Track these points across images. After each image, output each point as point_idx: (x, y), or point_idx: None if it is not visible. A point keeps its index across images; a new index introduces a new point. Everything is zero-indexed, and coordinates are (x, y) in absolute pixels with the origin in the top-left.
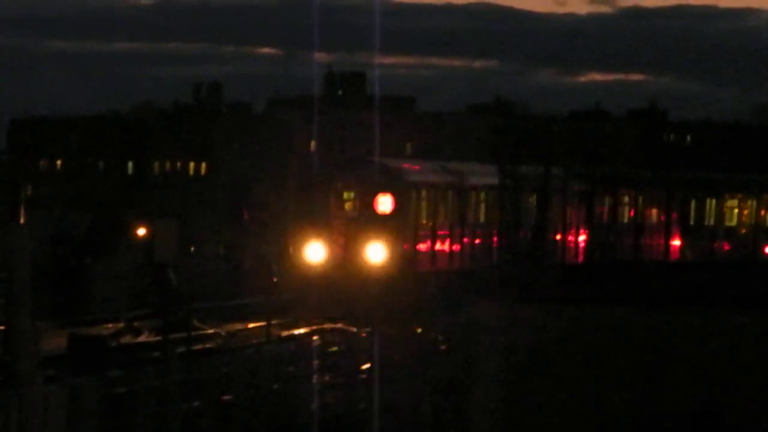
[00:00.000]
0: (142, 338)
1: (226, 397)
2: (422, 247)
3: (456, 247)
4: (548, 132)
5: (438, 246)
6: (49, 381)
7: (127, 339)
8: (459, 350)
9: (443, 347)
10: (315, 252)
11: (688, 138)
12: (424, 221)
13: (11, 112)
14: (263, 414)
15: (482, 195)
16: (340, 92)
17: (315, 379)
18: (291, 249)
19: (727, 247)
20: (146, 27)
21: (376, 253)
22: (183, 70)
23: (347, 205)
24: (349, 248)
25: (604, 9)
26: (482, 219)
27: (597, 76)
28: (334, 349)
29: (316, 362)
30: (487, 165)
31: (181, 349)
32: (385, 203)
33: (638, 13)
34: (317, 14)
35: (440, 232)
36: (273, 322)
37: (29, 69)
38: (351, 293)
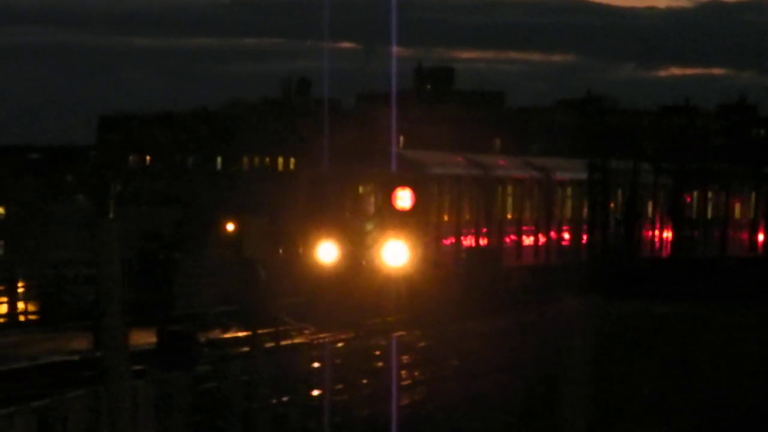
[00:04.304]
0: (230, 333)
1: (315, 393)
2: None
3: (483, 241)
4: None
5: (467, 242)
6: (138, 376)
7: (215, 334)
8: (547, 345)
9: (530, 342)
10: (328, 252)
11: None
12: (446, 217)
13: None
14: (352, 409)
15: (509, 188)
16: (428, 87)
17: (404, 374)
18: (301, 249)
19: None
20: (224, 23)
21: (395, 252)
22: (265, 66)
23: (363, 201)
24: (366, 248)
25: (684, 3)
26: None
27: (676, 71)
28: (422, 344)
29: (406, 357)
30: (513, 157)
31: (269, 345)
32: (404, 198)
33: (717, 7)
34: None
35: (464, 230)
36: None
37: (114, 66)
38: (368, 296)
